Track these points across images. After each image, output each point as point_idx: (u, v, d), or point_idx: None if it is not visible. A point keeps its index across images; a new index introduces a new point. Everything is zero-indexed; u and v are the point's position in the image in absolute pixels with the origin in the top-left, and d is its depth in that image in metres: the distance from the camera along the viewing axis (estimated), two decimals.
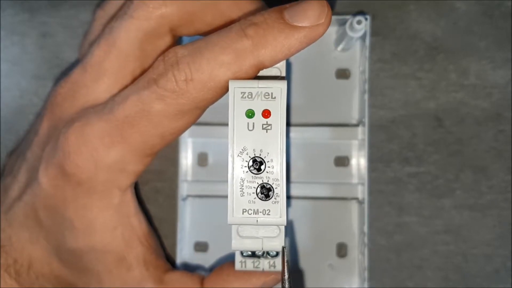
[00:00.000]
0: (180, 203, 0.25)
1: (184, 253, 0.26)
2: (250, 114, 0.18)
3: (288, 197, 0.26)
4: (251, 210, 0.18)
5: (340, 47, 0.26)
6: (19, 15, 0.27)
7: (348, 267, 0.26)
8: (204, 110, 0.20)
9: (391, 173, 0.26)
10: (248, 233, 0.20)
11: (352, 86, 0.26)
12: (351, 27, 0.24)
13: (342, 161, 0.26)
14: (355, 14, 0.25)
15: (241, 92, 0.18)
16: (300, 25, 0.18)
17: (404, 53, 0.26)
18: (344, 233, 0.26)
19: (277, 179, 0.18)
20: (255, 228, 0.20)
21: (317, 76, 0.26)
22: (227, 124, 0.26)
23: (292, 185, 0.26)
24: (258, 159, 0.18)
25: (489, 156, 0.26)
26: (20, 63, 0.27)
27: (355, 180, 0.26)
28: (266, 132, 0.18)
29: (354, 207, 0.26)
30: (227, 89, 0.19)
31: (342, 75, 0.26)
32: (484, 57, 0.26)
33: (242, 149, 0.18)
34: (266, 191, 0.18)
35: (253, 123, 0.18)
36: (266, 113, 0.18)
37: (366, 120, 0.25)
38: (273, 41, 0.18)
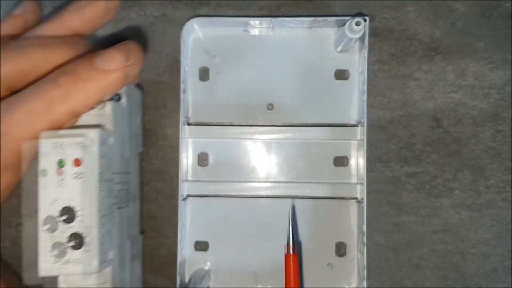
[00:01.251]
0: (181, 203, 0.25)
1: (185, 252, 0.26)
2: (61, 163, 0.19)
3: (286, 197, 0.26)
4: (63, 260, 0.19)
5: (339, 48, 0.26)
6: None
7: (347, 266, 0.26)
8: (33, 162, 0.20)
9: (390, 173, 0.26)
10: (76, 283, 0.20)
11: (351, 87, 0.26)
12: (350, 29, 0.24)
13: (341, 161, 0.26)
14: (354, 15, 0.25)
15: (53, 143, 0.19)
16: (109, 68, 0.19)
17: (403, 54, 0.26)
18: (343, 232, 0.26)
19: (89, 227, 0.19)
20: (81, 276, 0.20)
21: (317, 77, 0.26)
22: (227, 125, 0.26)
23: (292, 185, 0.26)
24: (69, 209, 0.19)
25: (487, 156, 0.26)
26: None
27: (354, 180, 0.26)
28: (78, 180, 0.19)
29: (353, 206, 0.26)
30: None
31: (341, 76, 0.26)
32: (482, 58, 0.26)
33: (53, 200, 0.19)
34: (78, 240, 0.19)
35: (64, 172, 0.19)
36: (77, 162, 0.19)
37: (365, 120, 0.25)
38: (83, 88, 0.19)
